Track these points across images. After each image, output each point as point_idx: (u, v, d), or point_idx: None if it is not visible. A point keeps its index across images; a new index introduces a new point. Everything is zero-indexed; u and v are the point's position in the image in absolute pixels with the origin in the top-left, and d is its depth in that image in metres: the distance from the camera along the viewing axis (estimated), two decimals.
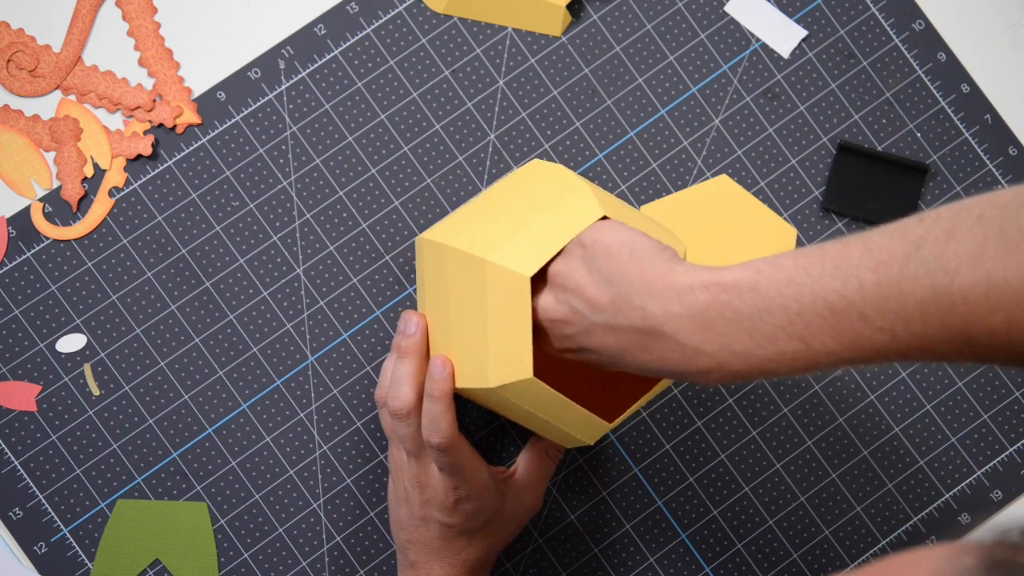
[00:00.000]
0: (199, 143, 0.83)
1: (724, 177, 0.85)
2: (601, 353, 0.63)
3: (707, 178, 0.85)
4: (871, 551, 0.83)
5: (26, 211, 0.82)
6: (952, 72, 0.86)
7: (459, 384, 0.68)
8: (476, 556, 0.73)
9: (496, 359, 0.65)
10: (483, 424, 0.83)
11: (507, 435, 0.83)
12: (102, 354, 0.82)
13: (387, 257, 0.83)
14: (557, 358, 0.68)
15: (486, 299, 0.65)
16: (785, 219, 0.85)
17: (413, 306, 0.83)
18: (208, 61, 0.84)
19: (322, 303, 0.83)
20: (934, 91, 0.86)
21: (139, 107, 0.83)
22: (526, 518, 0.74)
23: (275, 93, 0.84)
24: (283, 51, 0.84)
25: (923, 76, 0.86)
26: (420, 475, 0.72)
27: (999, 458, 0.84)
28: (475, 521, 0.72)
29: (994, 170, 0.85)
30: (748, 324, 0.58)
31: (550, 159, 0.84)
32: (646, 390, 0.70)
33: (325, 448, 0.82)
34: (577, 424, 0.67)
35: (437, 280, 0.69)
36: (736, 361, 0.59)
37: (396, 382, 0.71)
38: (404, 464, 0.73)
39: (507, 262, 0.64)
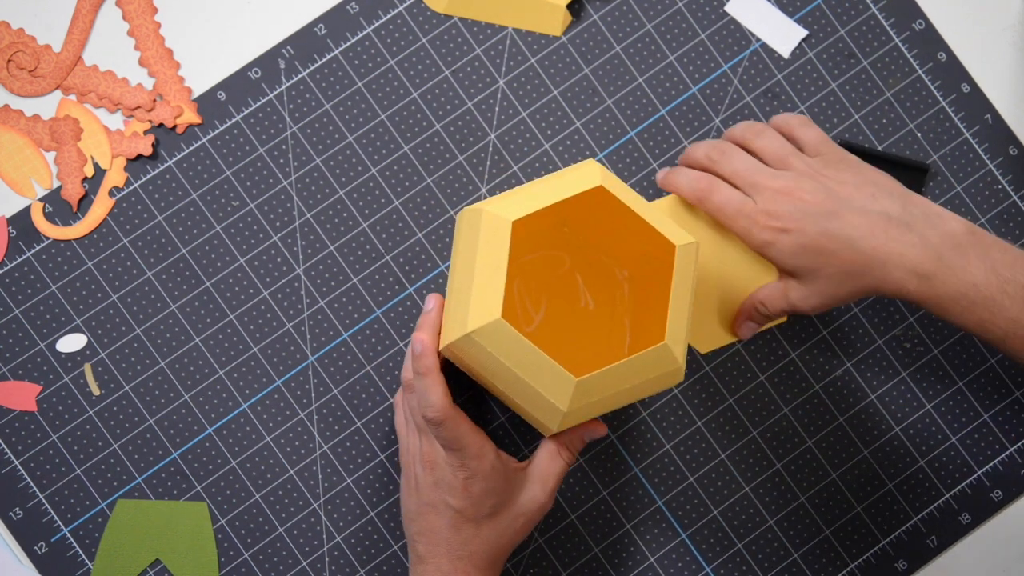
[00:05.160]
0: (199, 143, 0.83)
1: None
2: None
3: None
4: (871, 551, 0.83)
5: (26, 211, 0.82)
6: (952, 72, 0.86)
7: (445, 342, 0.71)
8: (483, 549, 0.73)
9: (476, 304, 0.68)
10: (494, 423, 0.83)
11: (521, 435, 0.83)
12: (102, 354, 0.82)
13: (387, 257, 0.83)
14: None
15: (478, 246, 0.68)
16: None
17: (414, 305, 0.83)
18: (208, 61, 0.84)
19: (322, 303, 0.83)
20: (934, 91, 0.86)
21: (139, 107, 0.83)
22: (536, 515, 0.74)
23: (275, 93, 0.84)
24: (283, 51, 0.84)
25: (923, 76, 0.86)
26: (429, 453, 0.73)
27: (999, 458, 0.84)
28: (484, 505, 0.72)
29: (994, 170, 0.85)
30: None
31: (550, 159, 0.84)
32: (619, 357, 0.74)
33: (325, 448, 0.82)
34: (546, 380, 0.68)
35: (459, 245, 0.72)
36: None
37: (408, 356, 0.75)
38: (416, 447, 0.74)
39: (499, 210, 0.69)
